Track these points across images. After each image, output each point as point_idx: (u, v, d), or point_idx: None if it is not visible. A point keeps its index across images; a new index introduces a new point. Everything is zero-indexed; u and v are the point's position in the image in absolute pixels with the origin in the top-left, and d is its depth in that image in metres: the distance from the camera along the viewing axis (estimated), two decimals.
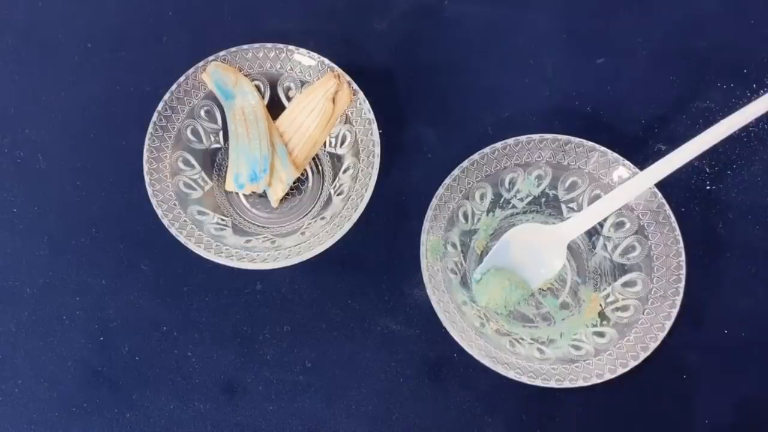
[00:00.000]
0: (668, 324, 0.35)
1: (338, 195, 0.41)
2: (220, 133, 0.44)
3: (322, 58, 0.42)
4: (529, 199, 0.41)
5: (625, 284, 0.39)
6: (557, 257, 0.39)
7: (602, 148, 0.39)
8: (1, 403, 0.41)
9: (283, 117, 0.43)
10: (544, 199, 0.41)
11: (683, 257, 0.37)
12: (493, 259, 0.40)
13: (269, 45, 0.42)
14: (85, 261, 0.44)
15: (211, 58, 0.41)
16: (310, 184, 0.44)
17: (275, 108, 0.44)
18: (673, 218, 0.37)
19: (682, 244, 0.37)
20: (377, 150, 0.39)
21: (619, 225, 0.39)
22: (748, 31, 0.47)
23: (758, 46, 0.46)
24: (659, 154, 0.40)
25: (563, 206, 0.41)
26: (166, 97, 0.41)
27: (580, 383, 0.35)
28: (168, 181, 0.40)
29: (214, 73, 0.41)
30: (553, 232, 0.39)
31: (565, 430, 0.40)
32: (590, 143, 0.39)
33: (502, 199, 0.41)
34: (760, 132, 0.45)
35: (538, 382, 0.35)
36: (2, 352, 0.42)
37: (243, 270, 0.38)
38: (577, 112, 0.45)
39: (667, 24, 0.47)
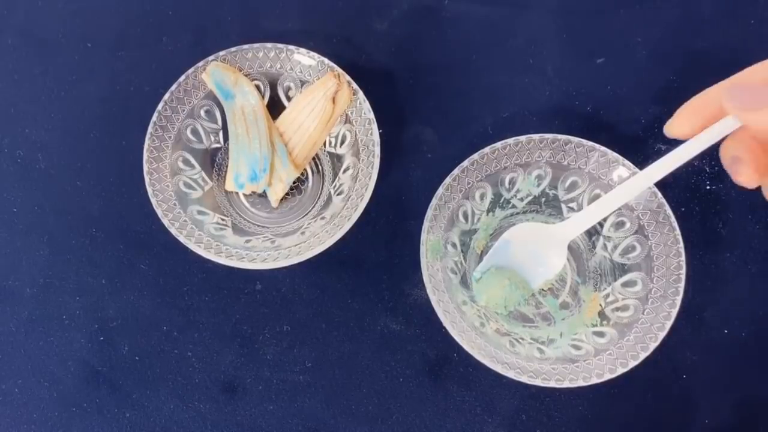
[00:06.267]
0: (668, 324, 0.35)
1: (338, 195, 0.41)
2: (220, 133, 0.44)
3: (322, 58, 0.42)
4: (529, 198, 0.41)
5: (625, 284, 0.39)
6: (557, 257, 0.39)
7: (602, 148, 0.39)
8: (1, 403, 0.42)
9: (283, 117, 0.43)
10: (544, 199, 0.41)
11: (683, 257, 0.36)
12: (493, 258, 0.40)
13: (269, 45, 0.42)
14: (85, 261, 0.44)
15: (211, 58, 0.41)
16: (310, 184, 0.44)
17: (275, 108, 0.44)
18: (673, 218, 0.37)
19: (682, 244, 0.37)
20: (377, 150, 0.39)
21: (619, 225, 0.39)
22: (748, 31, 0.47)
23: (758, 46, 0.46)
24: (659, 154, 0.40)
25: (563, 206, 0.41)
26: (166, 97, 0.41)
27: (580, 383, 0.35)
28: (168, 181, 0.40)
29: (214, 72, 0.41)
30: (553, 232, 0.39)
31: (565, 430, 0.40)
32: (590, 143, 0.39)
33: (502, 199, 0.41)
34: None
35: (538, 382, 0.35)
36: (2, 352, 0.42)
37: (243, 270, 0.38)
38: (577, 112, 0.45)
39: (667, 24, 0.47)
